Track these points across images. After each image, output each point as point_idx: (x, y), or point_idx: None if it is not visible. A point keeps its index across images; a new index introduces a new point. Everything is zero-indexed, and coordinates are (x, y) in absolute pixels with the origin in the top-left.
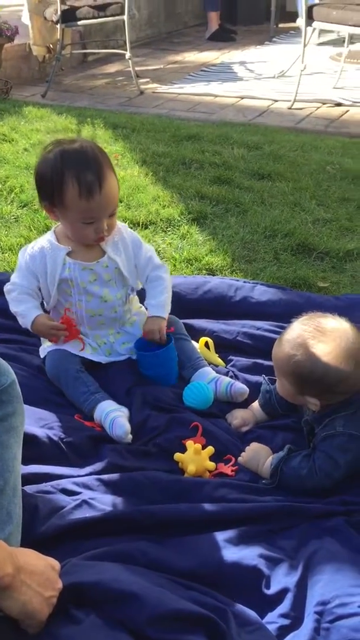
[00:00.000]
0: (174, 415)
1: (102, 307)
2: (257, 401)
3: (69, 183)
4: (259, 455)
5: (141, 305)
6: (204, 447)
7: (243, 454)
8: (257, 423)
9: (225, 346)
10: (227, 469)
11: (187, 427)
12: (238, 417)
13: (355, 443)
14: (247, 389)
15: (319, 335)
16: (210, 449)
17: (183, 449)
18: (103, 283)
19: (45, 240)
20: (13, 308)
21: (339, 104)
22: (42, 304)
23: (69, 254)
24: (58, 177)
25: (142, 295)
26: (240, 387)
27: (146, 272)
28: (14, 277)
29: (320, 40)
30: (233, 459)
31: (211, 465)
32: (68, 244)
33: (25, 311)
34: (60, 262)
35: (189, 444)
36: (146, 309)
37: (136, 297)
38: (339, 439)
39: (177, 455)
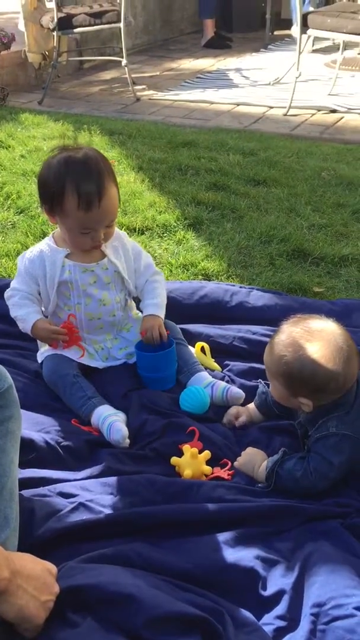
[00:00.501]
0: (170, 420)
1: (100, 311)
2: (253, 402)
3: (68, 193)
4: (254, 460)
5: (138, 311)
6: (200, 452)
7: (239, 458)
8: (252, 421)
9: (221, 351)
10: (224, 473)
11: (183, 432)
12: (233, 410)
13: (349, 443)
14: (244, 394)
15: (307, 336)
16: (206, 453)
17: (180, 454)
18: (102, 285)
19: (44, 244)
20: (13, 313)
21: (333, 111)
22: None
23: (68, 256)
24: (59, 186)
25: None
26: (237, 392)
27: (146, 276)
28: (13, 283)
29: (315, 47)
30: (229, 463)
31: (207, 469)
32: (66, 247)
33: (24, 315)
34: (59, 265)
35: (186, 448)
36: (141, 312)
37: (133, 303)
38: (333, 439)
39: (174, 460)
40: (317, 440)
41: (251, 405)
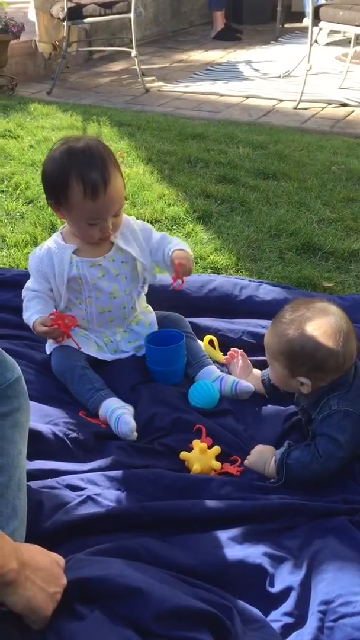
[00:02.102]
0: (179, 415)
1: (111, 304)
2: (261, 372)
3: (73, 183)
4: (264, 457)
5: (148, 305)
6: (210, 447)
7: (249, 457)
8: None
9: (230, 345)
10: (233, 469)
11: (192, 428)
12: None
13: (351, 420)
14: (253, 387)
15: (309, 314)
16: (216, 449)
17: (189, 449)
18: (112, 278)
19: (52, 240)
20: (23, 316)
21: (344, 105)
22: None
23: (75, 251)
24: (63, 177)
25: (151, 294)
26: (246, 386)
27: (163, 245)
28: (28, 282)
29: (329, 40)
30: (239, 460)
31: (217, 464)
32: (75, 242)
33: (27, 319)
34: (67, 261)
35: (195, 443)
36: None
37: (144, 297)
38: (336, 417)
39: (183, 454)
40: (322, 420)
41: (258, 373)
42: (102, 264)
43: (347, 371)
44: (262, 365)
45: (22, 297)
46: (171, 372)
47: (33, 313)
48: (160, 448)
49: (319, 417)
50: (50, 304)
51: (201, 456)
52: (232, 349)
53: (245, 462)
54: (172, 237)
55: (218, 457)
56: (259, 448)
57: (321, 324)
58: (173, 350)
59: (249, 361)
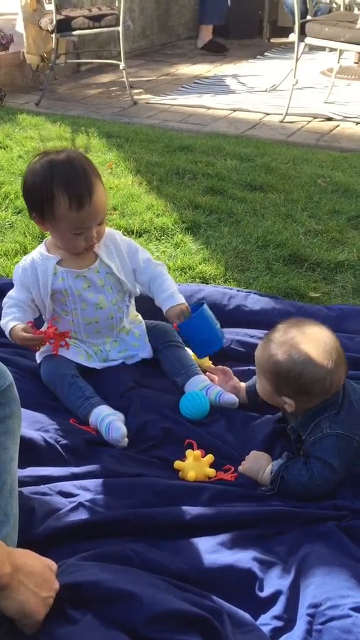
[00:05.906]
0: (170, 424)
1: (97, 315)
2: (246, 383)
3: (58, 195)
4: (259, 463)
5: (138, 314)
6: (203, 456)
7: (243, 462)
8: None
9: (218, 354)
10: (227, 476)
11: (183, 439)
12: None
13: (344, 442)
14: (237, 399)
15: (301, 337)
16: (210, 457)
17: (182, 460)
18: (97, 289)
19: (37, 252)
20: (0, 322)
21: (329, 119)
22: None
23: (59, 262)
24: (47, 190)
25: (139, 303)
26: (230, 397)
27: (148, 272)
28: (10, 291)
29: (310, 57)
30: (232, 468)
31: (211, 471)
32: (59, 253)
33: (4, 325)
34: (51, 272)
35: (189, 452)
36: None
37: (133, 306)
38: (328, 441)
39: (177, 464)
40: (314, 443)
41: (243, 385)
42: (87, 275)
43: (335, 393)
44: (251, 375)
45: (3, 304)
46: (207, 339)
47: (10, 320)
48: (154, 460)
49: (310, 439)
50: (29, 314)
51: (196, 464)
52: (207, 372)
53: (240, 467)
54: (157, 265)
55: (211, 466)
56: (254, 454)
57: (310, 350)
58: (197, 317)
59: (233, 380)
